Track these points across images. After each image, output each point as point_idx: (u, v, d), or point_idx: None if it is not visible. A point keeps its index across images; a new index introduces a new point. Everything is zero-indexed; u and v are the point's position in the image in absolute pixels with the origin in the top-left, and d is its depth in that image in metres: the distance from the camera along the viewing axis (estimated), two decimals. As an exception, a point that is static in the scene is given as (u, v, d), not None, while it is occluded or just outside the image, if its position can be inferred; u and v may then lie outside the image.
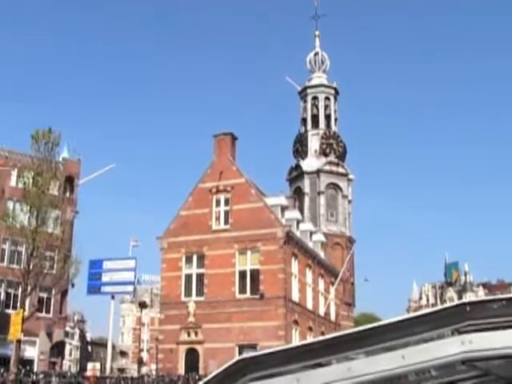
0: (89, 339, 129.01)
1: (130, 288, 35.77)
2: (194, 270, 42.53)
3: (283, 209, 43.87)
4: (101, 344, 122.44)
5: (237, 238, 41.48)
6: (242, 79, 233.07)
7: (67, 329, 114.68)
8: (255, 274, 40.88)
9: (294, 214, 46.48)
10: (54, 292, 59.61)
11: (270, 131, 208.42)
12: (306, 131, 64.38)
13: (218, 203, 43.06)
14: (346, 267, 53.63)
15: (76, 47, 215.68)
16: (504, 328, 3.02)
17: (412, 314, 3.21)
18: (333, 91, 65.49)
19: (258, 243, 40.95)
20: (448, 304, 3.27)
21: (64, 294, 60.34)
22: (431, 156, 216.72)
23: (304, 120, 65.36)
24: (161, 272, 43.43)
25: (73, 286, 56.83)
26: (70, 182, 62.72)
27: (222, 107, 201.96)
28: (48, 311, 59.73)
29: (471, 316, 3.06)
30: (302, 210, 60.70)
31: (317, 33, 68.53)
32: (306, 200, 61.19)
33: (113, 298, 34.55)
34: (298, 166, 63.03)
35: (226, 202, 42.82)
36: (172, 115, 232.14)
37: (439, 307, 3.18)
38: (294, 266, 43.19)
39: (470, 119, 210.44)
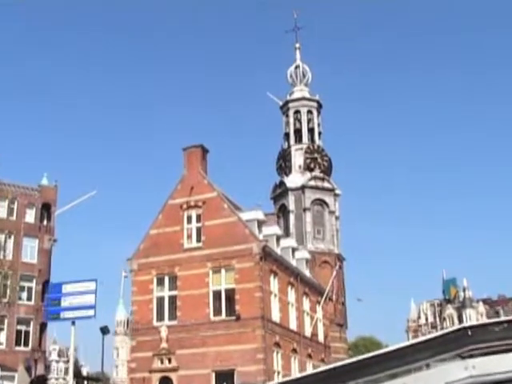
0: (85, 374, 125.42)
1: (91, 312, 32.69)
2: (166, 293, 39.83)
3: (260, 224, 41.19)
4: (97, 379, 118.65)
5: (210, 255, 38.87)
6: (224, 99, 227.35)
7: (60, 364, 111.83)
8: (230, 294, 38.21)
9: (272, 229, 43.72)
10: (32, 324, 57.23)
11: (256, 150, 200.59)
12: (289, 146, 62.09)
13: (189, 220, 40.51)
14: (332, 284, 50.72)
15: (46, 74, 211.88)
16: (507, 351, 3.09)
17: (413, 341, 3.37)
18: (315, 104, 63.27)
19: (232, 260, 38.32)
20: (449, 329, 3.36)
21: (43, 326, 57.82)
22: (425, 171, 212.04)
23: (287, 135, 63.12)
24: (131, 296, 40.72)
25: (51, 317, 54.44)
26: (46, 209, 60.52)
27: (205, 128, 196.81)
28: (26, 344, 57.20)
29: (473, 340, 3.15)
30: (287, 228, 58.28)
31: (297, 45, 66.61)
32: (291, 217, 58.61)
33: (73, 324, 31.60)
34: (281, 183, 60.59)
35: (198, 218, 40.26)
36: (150, 136, 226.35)
37: (440, 332, 3.27)
38: (274, 284, 40.48)
39: (463, 133, 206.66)
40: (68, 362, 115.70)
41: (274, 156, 63.30)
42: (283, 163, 61.54)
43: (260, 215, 41.28)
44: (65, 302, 34.38)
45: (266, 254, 38.98)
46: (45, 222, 59.83)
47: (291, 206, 58.77)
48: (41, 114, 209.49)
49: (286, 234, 55.27)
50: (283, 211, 59.97)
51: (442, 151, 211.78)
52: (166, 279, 39.96)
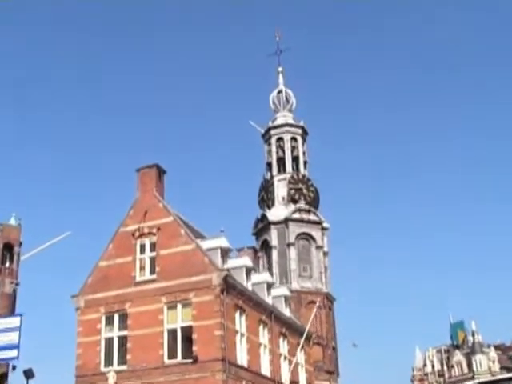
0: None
1: (13, 353, 27.98)
2: (116, 333, 34.74)
3: (225, 253, 36.25)
4: None
5: (165, 289, 33.88)
6: (206, 132, 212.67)
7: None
8: (188, 333, 33.03)
9: (241, 260, 38.69)
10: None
11: (238, 182, 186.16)
12: (272, 177, 57.29)
13: (142, 249, 35.62)
14: (315, 324, 45.31)
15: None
16: None
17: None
18: (300, 131, 58.75)
19: (189, 294, 33.26)
20: None
21: (3, 377, 52.82)
22: (425, 205, 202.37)
23: (269, 165, 58.40)
24: (76, 337, 35.49)
25: (14, 368, 49.69)
26: (8, 250, 55.95)
27: (184, 160, 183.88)
28: (-14, 397, 52.21)
29: None
30: (270, 267, 53.17)
31: (280, 69, 62.54)
32: (274, 254, 53.46)
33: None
34: (263, 217, 55.60)
35: (152, 246, 35.37)
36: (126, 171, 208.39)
37: None
38: (240, 322, 35.20)
39: (463, 164, 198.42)
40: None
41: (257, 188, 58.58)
42: (265, 195, 56.75)
43: (224, 243, 36.28)
44: (-16, 342, 29.61)
45: (229, 286, 33.84)
46: (7, 264, 55.28)
47: (274, 241, 53.73)
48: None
49: (270, 272, 50.02)
50: (266, 247, 54.89)
51: (442, 186, 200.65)
52: (116, 317, 34.95)
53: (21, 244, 56.26)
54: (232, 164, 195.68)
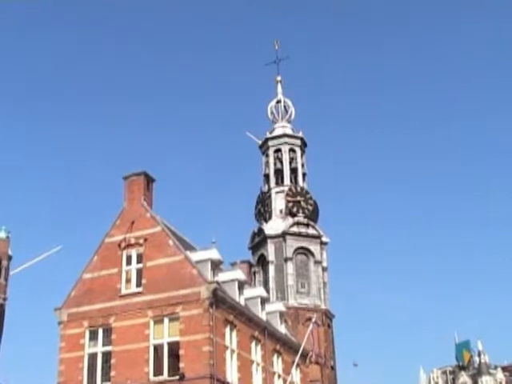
0: None
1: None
2: (100, 348, 33.04)
3: (215, 265, 34.56)
4: None
5: (151, 302, 32.35)
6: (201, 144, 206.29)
7: None
8: (175, 348, 31.41)
9: (233, 273, 36.97)
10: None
11: (236, 196, 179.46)
12: (270, 189, 55.81)
13: (128, 260, 34.03)
14: (310, 341, 43.43)
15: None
16: None
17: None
18: (299, 142, 57.32)
19: (177, 308, 31.73)
20: None
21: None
22: (429, 217, 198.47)
23: (266, 177, 56.95)
24: (58, 353, 33.78)
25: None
26: (-4, 263, 54.08)
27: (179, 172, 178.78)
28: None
29: None
30: (267, 282, 51.49)
31: (278, 78, 61.25)
32: (271, 269, 51.74)
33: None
34: (260, 231, 53.96)
35: (139, 258, 33.79)
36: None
37: None
38: (231, 338, 33.49)
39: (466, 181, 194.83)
40: None
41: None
42: (262, 208, 55.18)
43: (214, 255, 34.58)
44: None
45: (219, 300, 32.21)
46: (-6, 279, 53.35)
47: (271, 256, 52.06)
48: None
49: (266, 288, 48.28)
50: (262, 262, 53.20)
51: (446, 202, 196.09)
52: (100, 332, 33.29)
53: (10, 258, 54.41)
54: (228, 176, 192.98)
